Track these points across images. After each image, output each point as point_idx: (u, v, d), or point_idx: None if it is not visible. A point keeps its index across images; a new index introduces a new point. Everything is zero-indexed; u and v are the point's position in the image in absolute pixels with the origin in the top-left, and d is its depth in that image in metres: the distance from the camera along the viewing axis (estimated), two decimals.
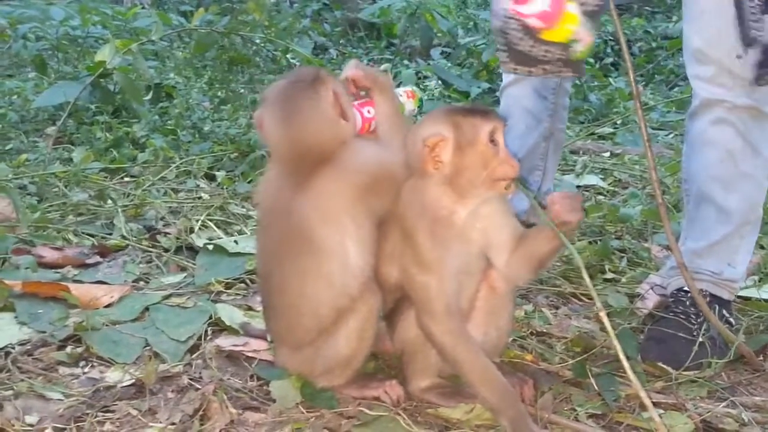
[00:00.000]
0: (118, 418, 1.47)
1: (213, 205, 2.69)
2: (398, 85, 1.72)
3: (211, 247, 2.26)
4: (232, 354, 1.72)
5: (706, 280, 1.84)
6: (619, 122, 4.38)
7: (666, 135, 4.30)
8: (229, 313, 1.86)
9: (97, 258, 2.24)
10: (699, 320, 1.81)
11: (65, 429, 1.43)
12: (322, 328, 1.52)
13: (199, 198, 2.86)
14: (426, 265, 1.47)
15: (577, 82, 5.42)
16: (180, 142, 3.47)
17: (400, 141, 1.55)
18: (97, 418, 1.46)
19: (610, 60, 6.17)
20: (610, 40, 6.08)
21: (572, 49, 1.56)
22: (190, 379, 1.61)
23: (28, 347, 1.71)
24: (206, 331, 1.81)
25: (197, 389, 1.55)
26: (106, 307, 1.90)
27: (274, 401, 1.55)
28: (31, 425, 1.44)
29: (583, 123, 4.59)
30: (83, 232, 2.44)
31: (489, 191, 1.48)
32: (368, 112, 1.61)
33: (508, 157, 1.47)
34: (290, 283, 1.52)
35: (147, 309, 1.90)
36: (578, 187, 3.26)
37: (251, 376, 1.65)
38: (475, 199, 1.49)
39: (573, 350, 1.84)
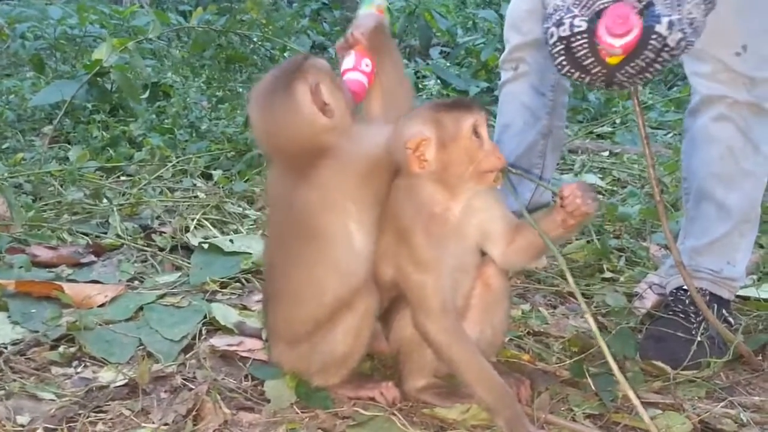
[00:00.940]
0: (110, 419, 1.46)
1: (209, 204, 2.68)
2: None
3: (206, 246, 2.24)
4: (227, 354, 1.71)
5: (706, 279, 1.83)
6: (618, 121, 4.37)
7: (665, 134, 4.29)
8: (224, 313, 1.85)
9: (92, 257, 2.23)
10: (698, 319, 1.80)
11: (57, 429, 1.41)
12: (322, 319, 1.50)
13: (196, 197, 2.84)
14: (422, 264, 1.45)
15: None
16: (177, 141, 3.45)
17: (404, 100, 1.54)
18: (90, 419, 1.44)
19: None
20: None
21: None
22: (184, 379, 1.59)
23: (21, 347, 1.69)
24: (201, 330, 1.79)
25: (191, 389, 1.54)
26: (100, 306, 1.88)
27: (268, 401, 1.53)
28: (22, 425, 1.42)
29: (581, 122, 4.57)
30: (78, 231, 2.43)
31: (478, 184, 1.46)
32: (366, 65, 1.59)
33: (493, 148, 1.46)
34: (295, 272, 1.52)
35: (141, 308, 1.88)
36: None
37: (246, 376, 1.63)
38: (465, 193, 1.47)
39: (570, 350, 1.82)
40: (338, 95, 1.51)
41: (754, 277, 2.28)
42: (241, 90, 4.27)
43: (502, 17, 4.07)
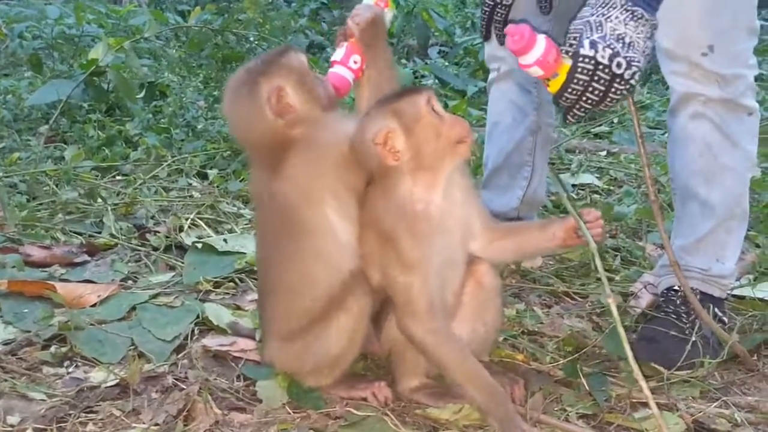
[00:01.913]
0: (101, 419, 1.45)
1: (204, 204, 2.67)
2: None
3: (200, 245, 2.23)
4: (219, 354, 1.70)
5: (695, 278, 1.83)
6: (615, 121, 4.36)
7: (662, 134, 4.27)
8: (217, 313, 1.84)
9: (85, 257, 2.22)
10: (690, 319, 1.79)
11: (47, 430, 1.41)
12: (315, 314, 1.50)
13: (191, 196, 2.84)
14: (408, 266, 1.44)
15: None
16: (173, 141, 3.45)
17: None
18: (80, 419, 1.44)
19: None
20: None
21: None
22: (176, 380, 1.59)
23: (13, 347, 1.69)
24: (193, 330, 1.79)
25: (182, 389, 1.53)
26: (93, 306, 1.88)
27: (260, 402, 1.53)
28: (12, 426, 1.42)
29: (579, 122, 4.56)
30: (72, 231, 2.43)
31: (453, 158, 1.47)
32: (354, 62, 1.59)
33: (454, 117, 1.47)
34: (285, 266, 1.53)
35: (134, 308, 1.88)
36: (573, 185, 3.24)
37: (238, 377, 1.63)
38: (444, 176, 1.47)
39: (565, 349, 1.82)
40: (307, 92, 1.51)
41: (750, 276, 2.27)
42: None
43: None
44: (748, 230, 2.48)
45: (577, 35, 1.45)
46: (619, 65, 1.41)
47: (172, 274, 2.15)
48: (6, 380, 1.55)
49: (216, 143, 3.41)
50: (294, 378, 1.56)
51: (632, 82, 1.44)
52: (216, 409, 1.48)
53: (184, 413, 1.46)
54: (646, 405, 1.56)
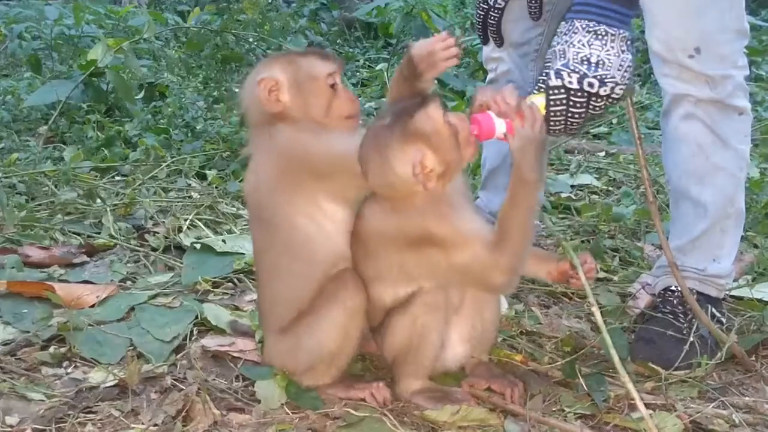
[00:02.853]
0: (99, 419, 1.45)
1: (203, 205, 2.67)
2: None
3: (198, 246, 2.24)
4: (218, 354, 1.70)
5: (691, 278, 1.83)
6: (614, 122, 4.36)
7: (661, 135, 4.28)
8: (216, 313, 1.84)
9: (84, 257, 2.22)
10: (688, 319, 1.80)
11: (45, 430, 1.41)
12: (304, 305, 1.52)
13: (189, 197, 2.84)
14: (459, 241, 1.45)
15: None
16: (172, 141, 3.45)
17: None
18: (79, 419, 1.44)
19: None
20: None
21: None
22: (174, 380, 1.58)
23: (12, 347, 1.69)
24: (192, 331, 1.79)
25: (180, 390, 1.53)
26: (92, 306, 1.88)
27: (258, 402, 1.52)
28: (11, 426, 1.42)
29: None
30: (71, 232, 2.43)
31: (467, 157, 1.50)
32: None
33: (456, 119, 1.47)
34: (267, 259, 1.58)
35: (133, 309, 1.88)
36: (572, 186, 3.24)
37: (236, 377, 1.63)
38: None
39: (563, 350, 1.82)
40: (303, 92, 1.55)
41: (749, 277, 2.27)
42: (237, 90, 4.26)
43: None
44: (747, 231, 2.50)
45: (548, 66, 1.51)
46: (591, 85, 1.47)
47: (171, 274, 2.15)
48: (5, 381, 1.55)
49: (215, 144, 3.41)
50: (292, 378, 1.56)
51: (613, 96, 1.49)
52: (214, 410, 1.48)
53: (183, 414, 1.46)
54: (644, 405, 1.57)
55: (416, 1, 6.00)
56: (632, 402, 1.58)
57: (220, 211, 2.66)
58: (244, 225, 2.54)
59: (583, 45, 1.48)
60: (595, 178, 3.39)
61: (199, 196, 2.84)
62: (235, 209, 2.72)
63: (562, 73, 1.47)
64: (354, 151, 1.46)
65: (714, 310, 1.83)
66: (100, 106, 3.77)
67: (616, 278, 2.28)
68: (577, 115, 1.50)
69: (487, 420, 1.50)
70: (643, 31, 1.81)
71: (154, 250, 2.32)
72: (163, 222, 2.52)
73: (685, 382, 1.69)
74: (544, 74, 1.52)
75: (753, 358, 1.82)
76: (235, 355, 1.70)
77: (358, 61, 5.97)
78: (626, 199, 3.00)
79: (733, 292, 2.09)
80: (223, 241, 2.26)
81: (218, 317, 1.83)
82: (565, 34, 1.51)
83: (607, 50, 1.48)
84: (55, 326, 1.74)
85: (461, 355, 1.63)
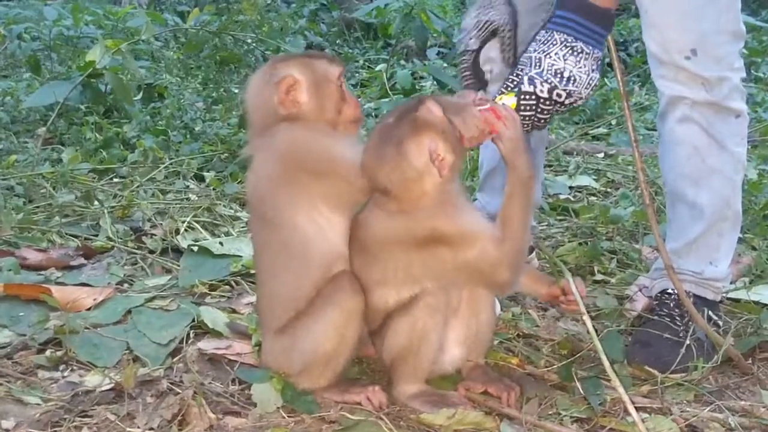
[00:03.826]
0: (95, 423, 1.45)
1: (200, 206, 2.67)
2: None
3: (195, 248, 2.24)
4: (215, 357, 1.70)
5: (688, 281, 1.84)
6: (613, 123, 4.36)
7: (658, 136, 4.28)
8: (212, 316, 1.84)
9: (82, 260, 2.22)
10: (684, 322, 1.80)
11: None
12: (301, 306, 1.52)
13: (187, 199, 2.84)
14: (468, 238, 1.47)
15: None
16: (171, 143, 3.45)
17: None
18: (75, 423, 1.44)
19: (606, 60, 6.14)
20: None
21: None
22: (171, 383, 1.58)
23: (8, 350, 1.69)
24: (189, 334, 1.79)
25: (177, 393, 1.53)
26: (88, 309, 1.87)
27: (255, 405, 1.52)
28: (7, 430, 1.42)
29: (577, 123, 4.57)
30: (68, 234, 2.43)
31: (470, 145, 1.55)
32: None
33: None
34: (263, 259, 1.60)
35: (129, 312, 1.87)
36: (571, 188, 3.24)
37: (233, 380, 1.62)
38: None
39: (560, 353, 1.82)
40: (320, 94, 1.56)
41: (746, 279, 2.27)
42: (236, 91, 4.27)
43: None
44: (745, 233, 2.50)
45: (522, 68, 1.60)
46: (559, 96, 1.58)
47: (168, 277, 2.15)
48: (1, 384, 1.55)
49: (213, 145, 3.41)
50: (288, 381, 1.56)
51: (575, 105, 1.62)
52: (210, 414, 1.47)
53: (179, 417, 1.45)
54: (640, 409, 1.57)
55: (416, 2, 6.00)
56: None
57: (218, 213, 2.66)
58: (242, 227, 2.54)
59: (558, 58, 1.57)
60: (594, 179, 3.39)
61: (196, 198, 2.84)
62: (232, 211, 2.72)
63: (536, 81, 1.57)
64: (353, 159, 1.47)
65: (710, 313, 1.83)
66: (99, 108, 3.78)
67: (613, 280, 2.28)
68: (543, 120, 1.62)
69: (483, 423, 1.50)
70: (641, 32, 1.81)
71: (152, 252, 2.32)
72: (161, 224, 2.52)
73: (681, 385, 1.69)
74: (515, 75, 1.61)
75: (749, 362, 1.82)
76: (232, 358, 1.70)
77: (358, 61, 5.98)
78: (624, 201, 3.00)
79: (731, 295, 2.09)
80: (221, 243, 2.26)
81: (215, 320, 1.83)
82: (543, 44, 1.59)
83: (580, 67, 1.57)
84: (51, 329, 1.74)
85: (458, 358, 1.63)
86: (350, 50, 6.34)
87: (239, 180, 3.02)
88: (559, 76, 1.57)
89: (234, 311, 1.93)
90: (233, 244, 2.26)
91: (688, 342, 1.74)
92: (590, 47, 1.58)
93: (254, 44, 4.34)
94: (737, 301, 2.09)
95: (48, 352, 1.68)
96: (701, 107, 1.78)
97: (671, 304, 1.84)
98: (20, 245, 2.29)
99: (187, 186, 3.00)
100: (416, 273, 1.50)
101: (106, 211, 2.58)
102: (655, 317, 1.84)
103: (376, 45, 6.43)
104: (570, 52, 1.57)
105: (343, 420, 1.49)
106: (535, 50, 1.61)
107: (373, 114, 4.13)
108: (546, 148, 3.68)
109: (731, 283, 2.06)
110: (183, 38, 5.20)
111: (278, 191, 1.51)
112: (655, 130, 4.35)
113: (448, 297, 1.54)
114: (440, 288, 1.52)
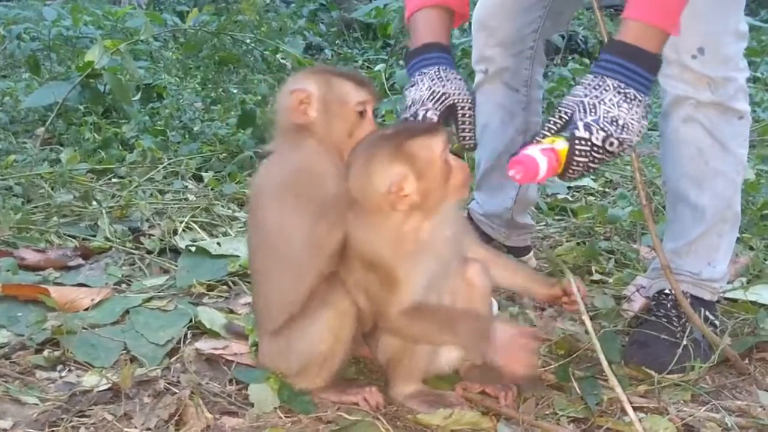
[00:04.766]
0: (93, 423, 1.45)
1: (198, 207, 2.67)
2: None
3: (193, 248, 2.24)
4: (212, 357, 1.71)
5: (686, 281, 1.84)
6: None
7: (659, 135, 4.27)
8: (210, 316, 1.84)
9: (80, 260, 2.22)
10: (681, 322, 1.80)
11: None
12: (296, 307, 1.52)
13: (186, 199, 2.84)
14: (394, 282, 1.45)
15: (571, 82, 5.41)
16: (169, 143, 3.45)
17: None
18: (72, 423, 1.44)
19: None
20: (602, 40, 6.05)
21: None
22: (168, 384, 1.58)
23: (6, 351, 1.69)
24: (186, 334, 1.79)
25: (174, 393, 1.53)
26: (86, 310, 1.88)
27: (252, 406, 1.53)
28: (4, 430, 1.42)
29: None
30: (66, 234, 2.43)
31: (451, 199, 1.49)
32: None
33: (460, 164, 1.48)
34: (257, 260, 1.60)
35: (127, 312, 1.88)
36: (569, 187, 3.24)
37: (230, 380, 1.63)
38: (438, 211, 1.48)
39: (557, 353, 1.82)
40: (329, 113, 1.56)
41: (744, 279, 2.27)
42: (234, 91, 4.27)
43: None
44: (743, 232, 2.50)
45: (570, 112, 1.49)
46: (611, 144, 1.47)
47: (166, 277, 2.15)
48: None
49: (212, 146, 3.42)
50: (285, 381, 1.56)
51: (622, 155, 1.54)
52: (207, 414, 1.47)
53: (176, 417, 1.46)
54: (637, 409, 1.57)
55: None
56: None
57: (216, 214, 2.66)
58: (240, 227, 2.54)
59: (613, 105, 1.47)
60: (592, 179, 3.38)
61: (195, 198, 2.84)
62: (230, 211, 2.73)
63: (592, 128, 1.46)
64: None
65: (707, 313, 1.83)
66: (98, 108, 3.78)
67: (611, 280, 2.28)
68: (594, 168, 1.51)
69: (480, 423, 1.50)
70: None
71: (150, 252, 2.32)
72: (159, 224, 2.52)
73: (678, 385, 1.69)
74: (564, 114, 1.50)
75: (746, 361, 1.82)
76: (229, 358, 1.70)
77: (357, 62, 5.98)
78: (622, 201, 3.00)
79: (728, 294, 2.09)
80: (218, 243, 2.26)
81: (212, 320, 1.83)
82: (595, 89, 1.48)
83: (632, 115, 1.47)
84: (49, 330, 1.74)
85: (454, 358, 1.63)
86: (349, 50, 6.34)
87: (237, 180, 3.03)
88: (615, 124, 1.46)
89: (231, 311, 1.94)
90: (231, 244, 2.27)
91: (685, 342, 1.74)
92: (642, 94, 1.48)
93: (253, 45, 4.34)
94: (734, 300, 2.09)
95: (46, 353, 1.68)
96: (705, 108, 1.77)
97: (668, 305, 1.84)
98: (18, 245, 2.29)
99: (186, 186, 3.00)
100: (367, 291, 1.50)
101: (104, 211, 2.58)
102: (653, 318, 1.84)
103: (375, 45, 6.43)
104: (623, 98, 1.47)
105: (340, 420, 1.49)
106: (586, 95, 1.49)
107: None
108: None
109: (728, 282, 2.06)
110: (182, 38, 5.21)
111: (280, 198, 1.52)
112: (653, 129, 4.37)
113: (441, 299, 1.53)
114: (429, 290, 1.51)
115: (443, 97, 1.67)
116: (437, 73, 1.70)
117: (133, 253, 2.30)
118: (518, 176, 1.45)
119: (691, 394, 1.67)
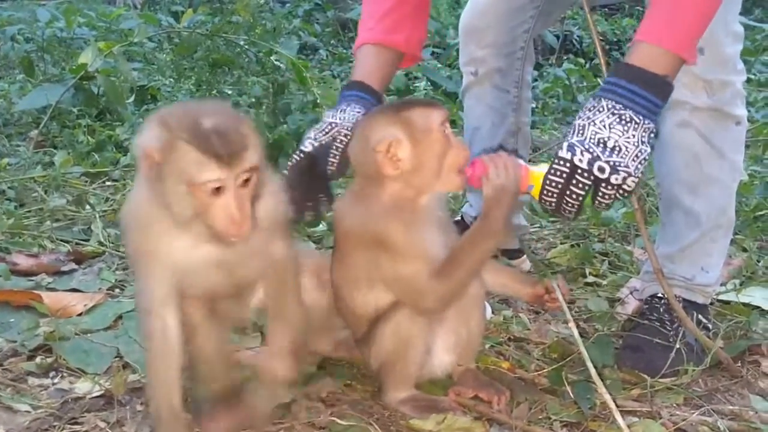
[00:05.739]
0: (85, 430, 1.45)
1: None
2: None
3: None
4: None
5: (679, 286, 1.84)
6: None
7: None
8: None
9: (73, 265, 2.21)
10: (674, 326, 1.80)
11: None
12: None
13: None
14: (408, 254, 1.44)
15: (566, 82, 5.41)
16: None
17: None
18: (64, 430, 1.44)
19: (595, 62, 6.16)
20: (600, 40, 6.06)
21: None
22: None
23: None
24: None
25: None
26: (79, 315, 1.87)
27: None
28: None
29: (570, 124, 4.56)
30: (59, 239, 2.42)
31: (446, 185, 1.49)
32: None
33: (462, 144, 1.48)
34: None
35: (120, 317, 1.87)
36: None
37: None
38: (430, 197, 1.49)
39: (550, 356, 1.82)
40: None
41: (737, 281, 2.28)
42: (229, 93, 4.26)
43: None
44: (736, 234, 2.50)
45: (566, 137, 1.43)
46: (601, 169, 1.36)
47: None
48: None
49: None
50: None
51: (625, 187, 1.39)
52: None
53: None
54: (630, 413, 1.58)
55: None
56: (619, 409, 1.59)
57: None
58: None
59: (603, 126, 1.37)
60: None
61: None
62: None
63: (575, 148, 1.37)
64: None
65: (700, 316, 1.84)
66: (91, 110, 3.77)
67: (605, 282, 2.28)
68: (574, 196, 1.39)
69: (473, 429, 1.49)
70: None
71: None
72: None
73: (671, 389, 1.69)
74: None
75: (739, 365, 1.82)
76: None
77: (352, 62, 5.97)
78: (616, 203, 3.00)
79: (721, 297, 2.10)
80: None
81: None
82: (589, 110, 1.41)
83: (627, 137, 1.37)
84: (41, 336, 1.73)
85: (447, 363, 1.63)
86: (344, 50, 6.33)
87: None
88: (602, 145, 1.36)
89: None
90: None
91: (678, 346, 1.74)
92: (641, 117, 1.38)
93: (247, 46, 4.33)
94: (727, 303, 2.10)
95: (38, 359, 1.67)
96: (701, 113, 1.76)
97: (661, 309, 1.84)
98: (11, 250, 2.28)
99: None
100: (371, 274, 1.49)
101: (97, 215, 2.57)
102: (645, 322, 1.85)
103: None
104: (617, 120, 1.37)
105: (333, 425, 1.49)
106: (580, 117, 1.42)
107: None
108: (539, 149, 3.70)
109: (722, 284, 2.06)
110: (176, 39, 5.20)
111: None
112: None
113: None
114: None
115: (330, 127, 1.71)
116: (344, 107, 1.74)
117: (127, 258, 2.29)
118: (468, 174, 1.46)
119: (684, 398, 1.67)
